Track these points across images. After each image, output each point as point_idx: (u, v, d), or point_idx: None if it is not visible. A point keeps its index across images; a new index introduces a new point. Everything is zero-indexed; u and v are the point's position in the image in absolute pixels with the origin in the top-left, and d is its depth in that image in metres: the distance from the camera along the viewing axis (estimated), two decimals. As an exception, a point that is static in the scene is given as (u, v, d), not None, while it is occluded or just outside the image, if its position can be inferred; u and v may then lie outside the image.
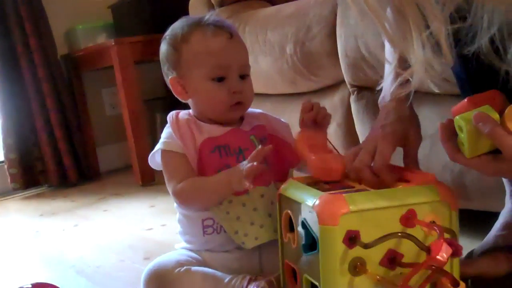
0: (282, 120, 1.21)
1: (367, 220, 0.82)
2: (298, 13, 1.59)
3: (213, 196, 1.06)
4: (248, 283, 0.99)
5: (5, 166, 2.66)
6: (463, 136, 0.78)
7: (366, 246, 0.79)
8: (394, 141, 0.97)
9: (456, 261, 0.87)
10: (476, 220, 1.29)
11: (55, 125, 2.67)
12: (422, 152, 1.26)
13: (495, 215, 1.10)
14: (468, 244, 1.12)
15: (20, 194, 2.72)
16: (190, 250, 1.13)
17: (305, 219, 0.87)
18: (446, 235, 0.81)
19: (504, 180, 1.08)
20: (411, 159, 1.00)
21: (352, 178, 0.96)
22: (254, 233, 1.06)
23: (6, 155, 2.65)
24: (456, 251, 0.79)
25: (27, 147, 2.69)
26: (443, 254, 0.76)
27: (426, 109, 1.26)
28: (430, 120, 1.25)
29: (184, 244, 1.16)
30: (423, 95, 1.25)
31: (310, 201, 0.84)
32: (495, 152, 0.77)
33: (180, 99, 1.15)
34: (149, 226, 1.81)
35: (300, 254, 0.90)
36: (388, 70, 1.01)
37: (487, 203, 1.21)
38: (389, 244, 0.82)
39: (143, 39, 2.51)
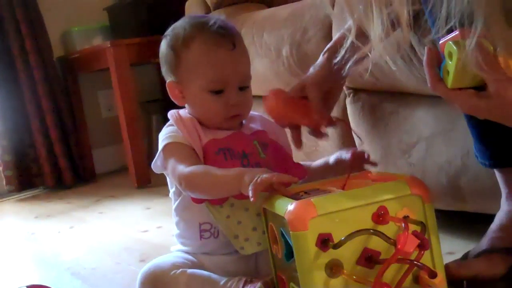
0: (279, 127, 1.18)
1: (339, 221, 0.82)
2: (294, 16, 1.59)
3: (220, 187, 1.01)
4: (244, 285, 0.98)
5: (0, 168, 2.65)
6: (451, 63, 0.75)
7: (335, 246, 0.80)
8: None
9: (437, 254, 0.87)
10: (471, 222, 1.29)
11: (50, 127, 2.67)
12: (417, 154, 1.27)
13: (490, 217, 1.10)
14: (464, 246, 1.13)
15: (15, 196, 2.72)
16: (186, 252, 1.13)
17: (282, 229, 0.88)
18: (416, 227, 0.82)
19: (500, 182, 1.08)
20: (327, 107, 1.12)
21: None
22: (256, 238, 1.04)
23: (1, 156, 2.65)
24: (423, 243, 0.80)
25: (22, 149, 2.69)
26: (408, 246, 0.77)
27: (421, 111, 1.26)
28: (425, 122, 1.26)
29: (180, 247, 1.15)
30: (418, 97, 1.25)
31: (283, 210, 0.85)
32: (478, 89, 0.76)
33: (176, 103, 1.14)
34: (144, 228, 1.81)
35: (285, 264, 0.90)
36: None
37: (482, 205, 1.21)
38: (364, 243, 0.83)
39: (139, 41, 2.51)
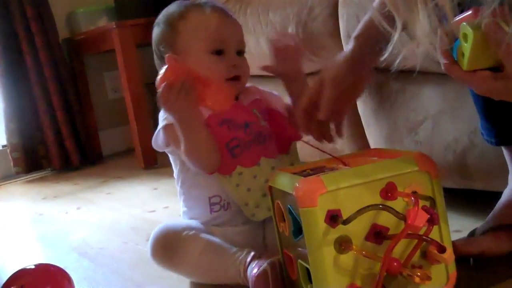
0: (274, 93, 1.21)
1: (347, 198, 0.83)
2: None
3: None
4: (252, 259, 1.00)
5: (8, 150, 2.66)
6: (466, 45, 0.73)
7: (344, 222, 0.80)
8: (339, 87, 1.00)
9: (445, 229, 0.87)
10: (478, 200, 1.29)
11: (57, 109, 2.67)
12: (424, 132, 1.26)
13: (498, 195, 1.10)
14: (471, 224, 1.13)
15: (23, 178, 2.72)
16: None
17: (290, 205, 0.89)
18: (425, 203, 0.82)
19: (507, 160, 1.07)
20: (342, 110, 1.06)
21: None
22: (266, 204, 1.05)
23: (8, 139, 2.66)
24: (432, 218, 0.80)
25: (29, 131, 2.69)
26: (418, 220, 0.78)
27: (428, 89, 1.25)
28: (431, 100, 1.25)
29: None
30: (425, 75, 1.24)
31: (291, 187, 0.86)
32: (494, 70, 0.74)
33: None
34: (152, 208, 1.81)
35: (293, 242, 0.91)
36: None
37: (489, 182, 1.20)
38: (373, 219, 0.83)
39: (144, 22, 2.48)
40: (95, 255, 1.45)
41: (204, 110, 1.08)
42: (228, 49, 1.10)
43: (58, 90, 2.67)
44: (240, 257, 1.01)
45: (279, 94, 1.21)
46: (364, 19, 1.03)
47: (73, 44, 2.82)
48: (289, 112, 1.15)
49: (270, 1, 1.69)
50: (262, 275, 0.95)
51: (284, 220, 0.93)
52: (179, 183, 1.17)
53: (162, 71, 1.05)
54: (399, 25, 0.87)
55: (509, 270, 0.97)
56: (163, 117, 1.11)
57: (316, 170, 0.92)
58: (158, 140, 1.13)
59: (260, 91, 1.19)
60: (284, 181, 0.90)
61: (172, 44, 1.12)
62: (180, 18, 1.12)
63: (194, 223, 1.13)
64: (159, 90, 1.01)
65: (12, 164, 2.66)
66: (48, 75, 2.64)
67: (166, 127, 1.09)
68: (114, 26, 2.43)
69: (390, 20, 0.85)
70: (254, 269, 0.97)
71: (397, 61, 0.93)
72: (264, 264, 0.96)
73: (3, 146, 2.76)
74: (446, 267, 0.87)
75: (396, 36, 0.87)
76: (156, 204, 1.86)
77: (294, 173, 0.92)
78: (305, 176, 0.88)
